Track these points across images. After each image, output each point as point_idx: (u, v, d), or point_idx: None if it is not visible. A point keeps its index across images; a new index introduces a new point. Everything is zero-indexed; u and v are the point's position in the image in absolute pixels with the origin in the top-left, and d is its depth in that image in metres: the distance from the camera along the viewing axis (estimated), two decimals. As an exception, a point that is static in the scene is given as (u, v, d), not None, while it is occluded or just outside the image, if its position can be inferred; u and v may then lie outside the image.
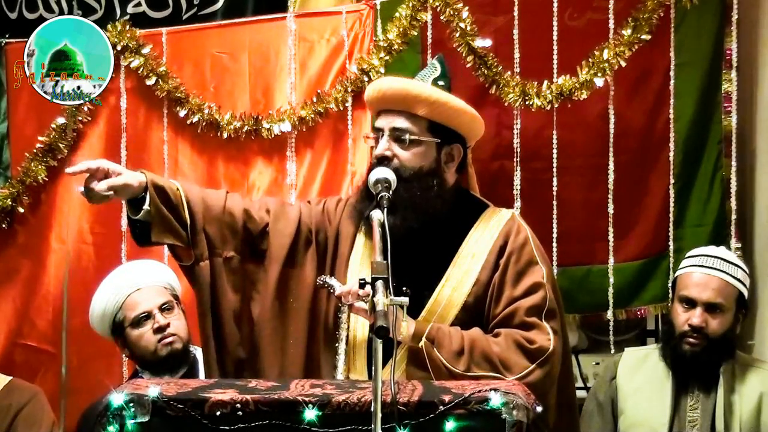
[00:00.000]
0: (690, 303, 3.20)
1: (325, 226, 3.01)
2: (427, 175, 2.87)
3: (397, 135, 2.87)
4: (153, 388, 2.24)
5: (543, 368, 2.74)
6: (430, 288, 2.84)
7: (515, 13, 3.61)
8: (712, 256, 3.24)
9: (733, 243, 3.60)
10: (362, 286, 2.55)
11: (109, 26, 3.67)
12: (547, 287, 2.84)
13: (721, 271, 3.20)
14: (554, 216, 3.63)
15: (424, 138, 2.88)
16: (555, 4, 3.61)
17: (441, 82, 2.97)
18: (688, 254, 3.33)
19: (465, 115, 2.93)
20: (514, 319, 2.79)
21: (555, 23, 3.61)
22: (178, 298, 3.35)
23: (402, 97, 2.88)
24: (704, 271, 3.21)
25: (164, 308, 3.25)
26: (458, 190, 2.98)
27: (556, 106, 3.59)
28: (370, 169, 2.88)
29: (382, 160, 2.85)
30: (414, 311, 2.74)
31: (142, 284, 3.28)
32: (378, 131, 2.92)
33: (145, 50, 3.69)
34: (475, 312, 2.84)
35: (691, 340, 3.17)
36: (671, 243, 3.65)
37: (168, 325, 3.23)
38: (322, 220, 3.02)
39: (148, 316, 3.24)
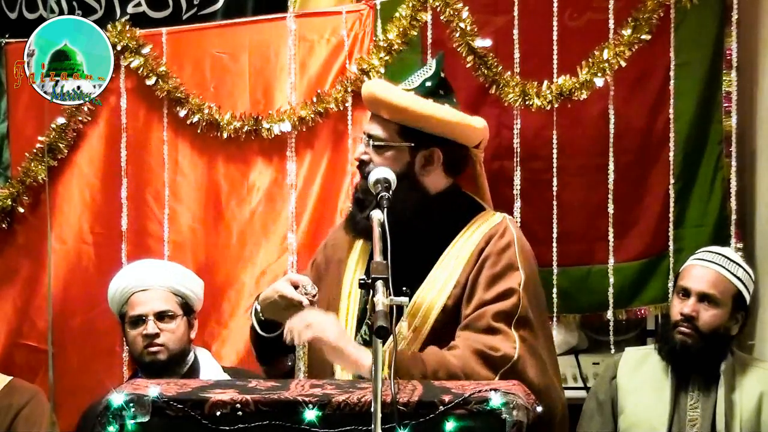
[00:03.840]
0: (686, 293, 3.22)
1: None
2: (398, 180, 2.78)
3: (370, 139, 2.86)
4: (153, 388, 2.23)
5: (508, 378, 2.57)
6: (412, 290, 2.76)
7: (515, 13, 3.60)
8: (716, 253, 3.27)
9: (734, 243, 3.60)
10: (362, 286, 2.53)
11: (109, 26, 3.67)
12: (522, 294, 2.70)
13: (720, 265, 3.22)
14: (554, 216, 3.62)
15: (393, 143, 2.82)
16: (555, 4, 3.60)
17: (429, 83, 2.86)
18: (695, 252, 3.34)
19: (433, 119, 2.79)
20: (480, 321, 2.68)
21: (555, 23, 3.60)
22: (189, 307, 3.32)
23: (372, 101, 2.86)
24: (704, 264, 3.24)
25: (162, 316, 3.23)
26: (451, 192, 2.88)
27: (556, 106, 3.58)
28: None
29: (362, 164, 2.82)
30: (396, 314, 2.69)
31: (151, 285, 3.26)
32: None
33: (145, 50, 3.69)
34: (455, 314, 2.74)
35: (681, 329, 3.18)
36: (671, 243, 3.64)
37: (157, 335, 3.20)
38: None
39: (143, 320, 3.23)
